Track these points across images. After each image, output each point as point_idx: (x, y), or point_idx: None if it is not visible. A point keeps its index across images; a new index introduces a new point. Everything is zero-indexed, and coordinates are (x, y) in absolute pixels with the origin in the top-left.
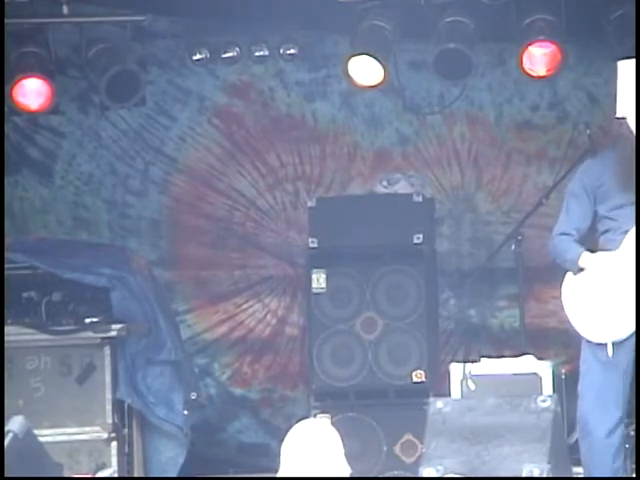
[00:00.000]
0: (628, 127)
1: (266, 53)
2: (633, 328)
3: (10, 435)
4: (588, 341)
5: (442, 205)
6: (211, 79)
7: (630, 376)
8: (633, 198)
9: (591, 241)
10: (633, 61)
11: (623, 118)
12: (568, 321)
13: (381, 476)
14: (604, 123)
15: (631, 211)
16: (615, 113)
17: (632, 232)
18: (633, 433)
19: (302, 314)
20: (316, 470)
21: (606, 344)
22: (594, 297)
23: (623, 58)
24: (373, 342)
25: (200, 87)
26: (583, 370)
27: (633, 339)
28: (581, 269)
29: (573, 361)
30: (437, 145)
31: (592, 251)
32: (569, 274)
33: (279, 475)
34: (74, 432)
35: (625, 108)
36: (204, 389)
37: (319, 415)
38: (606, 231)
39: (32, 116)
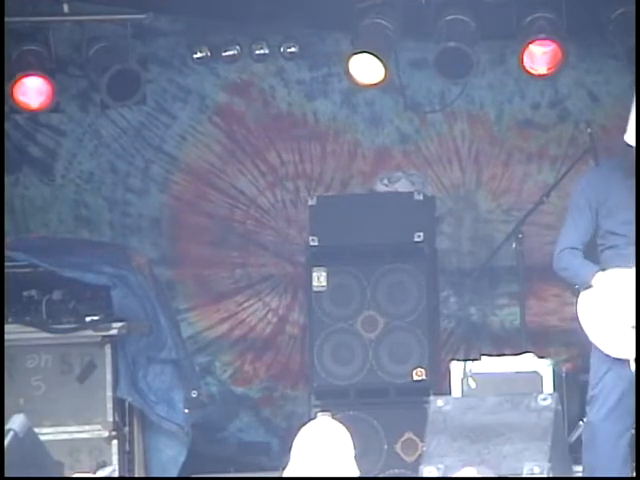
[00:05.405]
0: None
1: (267, 51)
2: None
3: (11, 434)
4: (606, 355)
5: (443, 203)
6: (212, 77)
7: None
8: None
9: (592, 256)
10: None
11: (630, 146)
12: (569, 319)
13: (381, 475)
14: (605, 121)
15: None
16: (617, 113)
17: None
18: (633, 431)
19: (303, 312)
20: (325, 470)
21: (628, 360)
22: (615, 313)
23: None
24: (374, 340)
25: (201, 85)
26: (599, 381)
27: None
28: (589, 286)
29: (574, 359)
30: (438, 143)
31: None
32: (585, 292)
33: (287, 472)
34: (75, 430)
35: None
36: (205, 387)
37: (320, 413)
38: (612, 247)
39: (33, 114)
